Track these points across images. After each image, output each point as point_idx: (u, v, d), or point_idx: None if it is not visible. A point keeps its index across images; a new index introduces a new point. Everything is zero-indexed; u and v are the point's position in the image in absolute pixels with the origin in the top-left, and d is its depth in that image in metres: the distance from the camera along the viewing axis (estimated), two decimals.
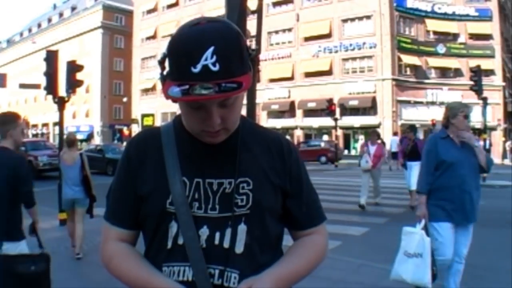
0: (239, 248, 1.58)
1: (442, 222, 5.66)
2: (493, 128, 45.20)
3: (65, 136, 10.08)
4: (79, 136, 36.35)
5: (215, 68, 1.39)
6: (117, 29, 77.86)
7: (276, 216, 1.71)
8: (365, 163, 14.31)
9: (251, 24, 7.96)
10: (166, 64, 1.52)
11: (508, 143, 44.36)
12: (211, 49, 1.40)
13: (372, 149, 14.47)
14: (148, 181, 1.65)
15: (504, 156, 42.45)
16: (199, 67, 1.39)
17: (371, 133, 15.46)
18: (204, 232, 1.57)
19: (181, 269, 1.56)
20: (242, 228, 1.60)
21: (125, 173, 1.72)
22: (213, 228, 1.58)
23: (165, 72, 1.53)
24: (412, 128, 15.01)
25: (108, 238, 1.73)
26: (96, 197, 8.72)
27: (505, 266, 7.72)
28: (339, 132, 43.42)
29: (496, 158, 39.52)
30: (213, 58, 1.39)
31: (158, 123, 50.41)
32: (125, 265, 1.65)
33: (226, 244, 1.57)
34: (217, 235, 1.57)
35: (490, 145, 37.09)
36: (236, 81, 1.43)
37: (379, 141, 15.28)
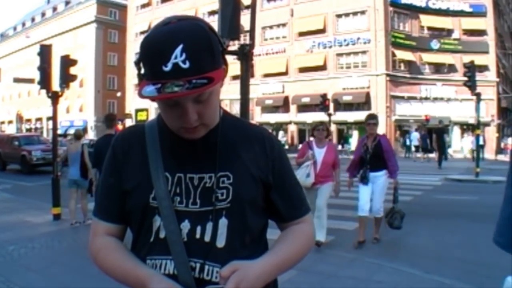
0: (221, 242, 1.60)
1: None
2: (487, 124, 45.27)
3: (74, 131, 12.67)
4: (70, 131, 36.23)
5: (185, 66, 1.43)
6: (111, 24, 77.54)
7: (258, 210, 1.72)
8: (306, 177, 8.74)
9: (245, 19, 7.96)
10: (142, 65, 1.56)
11: (509, 139, 44.46)
12: (180, 47, 1.43)
13: (320, 152, 9.10)
14: (132, 176, 1.69)
15: (498, 152, 42.53)
16: (169, 65, 1.43)
17: (316, 127, 9.27)
18: (186, 226, 1.60)
19: (163, 262, 1.58)
20: (223, 222, 1.62)
21: (111, 169, 1.76)
22: (195, 222, 1.60)
23: (142, 72, 1.57)
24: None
25: (96, 233, 1.77)
26: (93, 180, 10.03)
27: (496, 262, 7.73)
28: (333, 128, 43.40)
29: (490, 154, 39.67)
30: (183, 55, 1.43)
31: (152, 117, 50.30)
32: (111, 258, 1.68)
33: (207, 238, 1.59)
34: (198, 229, 1.60)
35: (484, 141, 37.17)
36: (207, 76, 1.45)
37: (328, 140, 9.93)
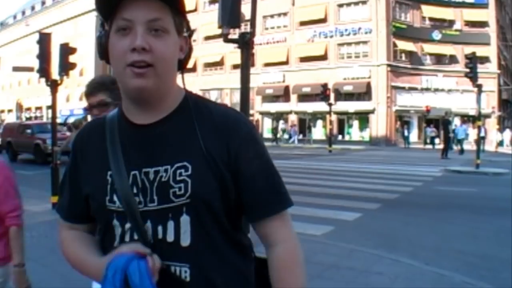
0: (185, 241, 1.47)
1: None
2: (488, 116, 45.24)
3: (74, 120, 12.92)
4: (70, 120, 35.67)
5: None
6: None
7: (225, 204, 1.53)
8: None
9: (245, 7, 7.90)
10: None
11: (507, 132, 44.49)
12: None
13: None
14: (89, 178, 1.60)
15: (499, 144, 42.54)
16: None
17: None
18: (149, 226, 1.48)
19: None
20: (185, 219, 1.47)
21: (71, 170, 1.69)
22: (155, 221, 1.48)
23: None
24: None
25: (61, 226, 1.74)
26: None
27: (497, 254, 7.75)
28: (334, 117, 43.40)
29: (490, 146, 39.66)
30: None
31: None
32: (71, 250, 1.66)
33: (170, 238, 1.47)
34: (160, 228, 1.47)
35: (485, 133, 37.20)
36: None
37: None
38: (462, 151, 32.45)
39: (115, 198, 1.51)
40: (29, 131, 26.55)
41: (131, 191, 1.49)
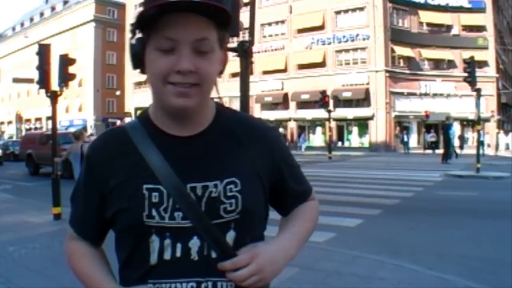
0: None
1: None
2: (487, 120, 45.31)
3: (73, 130, 13.61)
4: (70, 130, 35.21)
5: None
6: (110, 22, 77.72)
7: (264, 215, 1.59)
8: None
9: (244, 16, 7.92)
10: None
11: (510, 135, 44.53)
12: None
13: None
14: (120, 193, 1.46)
15: (497, 148, 42.55)
16: None
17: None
18: (195, 243, 1.42)
19: (173, 286, 1.41)
20: (230, 235, 1.45)
21: (87, 183, 1.55)
22: (208, 239, 1.42)
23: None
24: None
25: (70, 238, 1.65)
26: None
27: (500, 258, 7.74)
28: (333, 124, 43.41)
29: (490, 150, 39.66)
30: None
31: None
32: (80, 265, 1.57)
33: (214, 254, 1.42)
34: (205, 245, 1.42)
35: (484, 135, 37.13)
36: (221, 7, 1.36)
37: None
38: (456, 154, 32.13)
39: (154, 212, 1.41)
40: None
41: (197, 205, 1.43)
